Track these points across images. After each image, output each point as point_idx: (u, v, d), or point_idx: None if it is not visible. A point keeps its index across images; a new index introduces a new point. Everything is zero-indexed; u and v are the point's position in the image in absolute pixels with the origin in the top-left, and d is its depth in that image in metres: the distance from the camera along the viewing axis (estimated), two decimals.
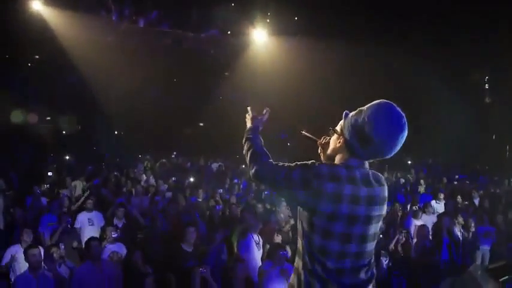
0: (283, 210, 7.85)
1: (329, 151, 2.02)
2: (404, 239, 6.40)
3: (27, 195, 7.63)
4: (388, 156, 1.92)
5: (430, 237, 7.11)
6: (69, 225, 5.99)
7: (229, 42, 16.31)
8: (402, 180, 13.86)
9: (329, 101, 17.93)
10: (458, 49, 13.85)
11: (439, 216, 7.78)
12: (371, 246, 1.92)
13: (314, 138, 2.18)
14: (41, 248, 4.47)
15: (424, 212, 8.46)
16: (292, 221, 7.41)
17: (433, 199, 9.77)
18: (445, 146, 18.19)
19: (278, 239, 6.01)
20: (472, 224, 7.20)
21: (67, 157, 12.54)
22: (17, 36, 12.05)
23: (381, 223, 1.97)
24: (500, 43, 13.10)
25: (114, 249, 5.28)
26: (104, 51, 13.58)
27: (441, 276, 6.19)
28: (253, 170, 2.01)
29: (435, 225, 7.63)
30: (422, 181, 12.95)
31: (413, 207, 8.96)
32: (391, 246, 6.34)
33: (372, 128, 1.82)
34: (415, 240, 7.11)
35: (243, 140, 2.21)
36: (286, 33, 15.61)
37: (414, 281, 6.25)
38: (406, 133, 1.86)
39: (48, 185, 8.54)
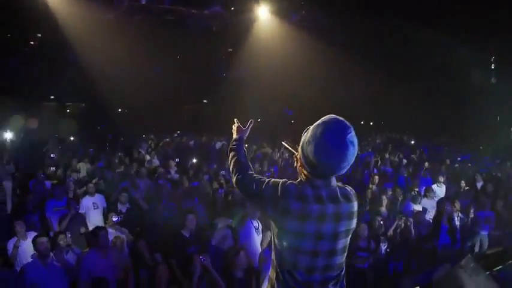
0: None
1: (298, 166, 2.04)
2: (403, 224, 6.47)
3: (31, 179, 7.72)
4: (341, 173, 1.91)
5: (430, 222, 7.25)
6: (77, 211, 6.08)
7: (232, 19, 16.13)
8: (405, 161, 13.80)
9: (332, 78, 17.88)
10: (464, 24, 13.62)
11: (439, 201, 7.85)
12: (340, 259, 1.98)
13: (293, 150, 2.18)
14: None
15: (425, 196, 8.56)
16: None
17: (434, 183, 9.79)
18: (448, 126, 18.24)
19: None
20: (472, 210, 7.25)
21: (72, 138, 12.60)
22: (19, 15, 11.98)
23: (349, 237, 2.01)
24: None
25: (116, 233, 5.41)
26: (106, 29, 13.49)
27: (438, 261, 6.33)
28: (235, 178, 2.10)
29: (436, 211, 7.74)
30: (427, 164, 12.79)
31: (413, 191, 8.99)
32: (390, 231, 6.44)
33: (312, 150, 1.84)
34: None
35: (228, 149, 2.29)
36: (290, 10, 15.40)
37: (411, 264, 6.38)
38: (351, 150, 1.84)
39: (53, 168, 8.63)
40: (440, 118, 18.77)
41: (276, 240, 1.96)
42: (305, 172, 1.95)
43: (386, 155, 14.43)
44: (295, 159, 2.09)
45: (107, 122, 16.13)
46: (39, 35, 15.48)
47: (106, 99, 17.03)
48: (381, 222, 6.44)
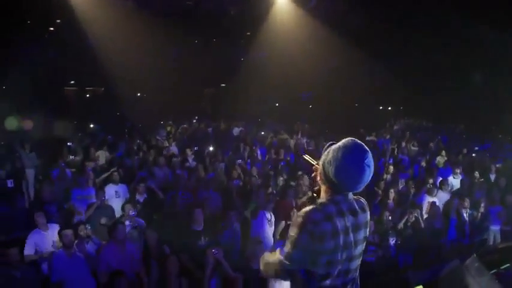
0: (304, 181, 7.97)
1: (318, 179, 2.24)
2: (413, 218, 6.54)
3: (52, 169, 7.96)
4: (358, 191, 2.15)
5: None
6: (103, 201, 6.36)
7: (250, 2, 16.03)
8: (421, 150, 13.70)
9: (349, 63, 17.67)
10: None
11: (451, 195, 7.87)
12: (358, 263, 2.24)
13: (313, 163, 2.35)
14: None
15: (440, 188, 8.51)
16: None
17: (452, 174, 9.71)
18: (467, 111, 17.84)
19: (294, 215, 6.25)
20: (482, 205, 7.24)
21: (91, 125, 12.91)
22: (38, 2, 12.18)
23: (365, 242, 2.26)
24: None
25: (134, 225, 5.68)
26: (124, 13, 13.63)
27: (447, 255, 6.40)
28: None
29: (445, 205, 7.77)
30: (444, 152, 12.57)
31: (429, 183, 8.92)
32: (400, 225, 6.51)
33: (333, 171, 2.08)
34: (426, 216, 7.27)
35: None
36: None
37: (421, 258, 6.48)
38: (367, 173, 2.07)
39: (73, 157, 8.93)
40: (461, 105, 18.39)
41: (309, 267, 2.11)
42: (325, 186, 2.19)
43: (403, 143, 14.39)
44: (314, 171, 2.31)
45: (126, 107, 16.39)
46: (59, 21, 15.69)
47: (125, 83, 17.31)
48: (389, 217, 6.47)
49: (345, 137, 2.16)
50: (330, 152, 2.13)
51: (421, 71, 17.82)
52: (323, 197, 2.20)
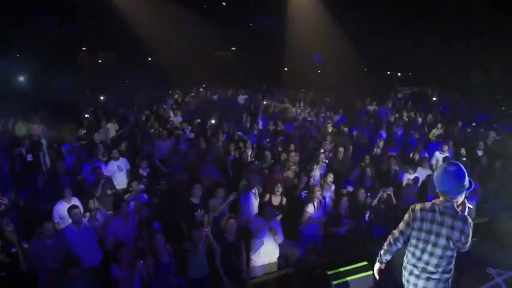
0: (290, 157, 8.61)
1: None
2: (386, 195, 7.21)
3: (63, 144, 8.71)
4: (452, 196, 3.28)
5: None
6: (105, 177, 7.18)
7: None
8: (419, 121, 13.83)
9: (360, 28, 17.66)
10: None
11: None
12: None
13: None
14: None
15: (420, 165, 8.96)
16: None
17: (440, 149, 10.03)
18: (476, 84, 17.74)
19: (279, 189, 7.00)
20: None
21: (102, 97, 13.59)
22: None
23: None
24: None
25: (138, 199, 6.54)
26: None
27: None
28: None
29: (423, 181, 8.34)
30: (439, 125, 12.75)
31: (415, 159, 9.36)
32: (374, 202, 7.19)
33: (437, 184, 3.28)
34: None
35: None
36: None
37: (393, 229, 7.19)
38: (461, 183, 3.21)
39: (84, 130, 9.72)
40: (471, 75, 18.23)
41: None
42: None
43: (405, 113, 14.63)
44: None
45: (137, 74, 16.94)
46: None
47: (136, 47, 17.76)
48: (364, 194, 7.09)
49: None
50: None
51: (431, 37, 17.60)
52: None
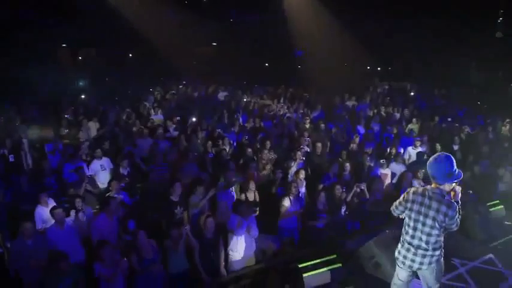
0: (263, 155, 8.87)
1: None
2: (359, 190, 7.55)
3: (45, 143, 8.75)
4: (442, 182, 3.84)
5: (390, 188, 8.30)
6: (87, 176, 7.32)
7: None
8: (397, 116, 14.12)
9: (340, 22, 17.85)
10: None
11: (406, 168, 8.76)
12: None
13: None
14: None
15: (395, 160, 9.32)
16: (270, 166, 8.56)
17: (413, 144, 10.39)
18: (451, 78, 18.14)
19: (252, 186, 7.27)
20: None
21: (82, 96, 13.54)
22: None
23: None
24: None
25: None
26: None
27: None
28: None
29: (399, 176, 8.70)
30: (414, 120, 13.06)
31: (392, 154, 9.67)
32: (349, 197, 7.52)
33: (428, 169, 3.86)
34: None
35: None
36: None
37: (367, 224, 7.54)
38: (448, 171, 3.76)
39: (67, 130, 9.76)
40: (450, 70, 18.54)
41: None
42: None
43: (382, 108, 14.93)
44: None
45: (118, 71, 16.86)
46: None
47: (116, 43, 17.62)
48: (340, 189, 7.41)
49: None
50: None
51: (412, 31, 17.83)
52: None
